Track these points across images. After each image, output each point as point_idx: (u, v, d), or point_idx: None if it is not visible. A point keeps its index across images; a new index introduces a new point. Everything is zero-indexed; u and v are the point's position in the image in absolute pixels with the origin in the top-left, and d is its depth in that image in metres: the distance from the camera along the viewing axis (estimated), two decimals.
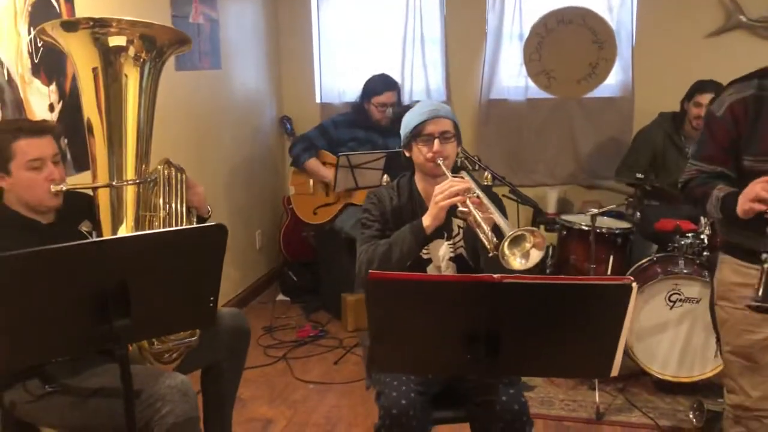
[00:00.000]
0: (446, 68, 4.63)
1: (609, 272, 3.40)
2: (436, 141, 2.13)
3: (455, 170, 2.19)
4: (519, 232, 1.75)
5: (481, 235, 1.93)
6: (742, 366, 2.03)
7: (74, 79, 2.83)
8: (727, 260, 2.04)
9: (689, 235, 3.18)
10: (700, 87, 3.61)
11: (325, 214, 3.85)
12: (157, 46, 2.14)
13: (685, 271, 3.05)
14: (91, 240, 1.74)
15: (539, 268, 1.81)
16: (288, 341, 3.80)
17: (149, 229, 2.13)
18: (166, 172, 2.20)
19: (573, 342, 1.42)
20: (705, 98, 3.59)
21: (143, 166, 2.16)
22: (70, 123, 2.63)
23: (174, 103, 3.45)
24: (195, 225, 1.61)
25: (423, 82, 4.68)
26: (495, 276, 1.32)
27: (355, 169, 3.43)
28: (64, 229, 2.09)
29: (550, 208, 4.47)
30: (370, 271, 1.39)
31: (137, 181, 2.12)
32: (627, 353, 3.10)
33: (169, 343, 2.14)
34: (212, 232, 1.63)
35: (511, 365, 1.44)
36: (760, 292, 1.75)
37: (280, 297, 4.47)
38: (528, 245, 1.77)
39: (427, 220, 2.06)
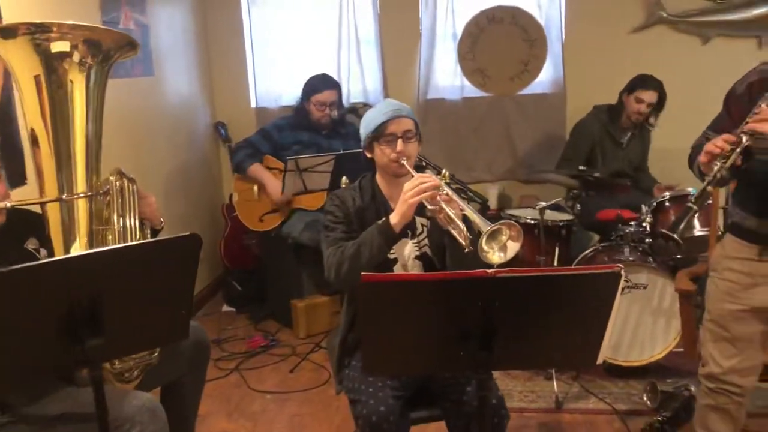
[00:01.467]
0: (383, 69, 4.64)
1: (555, 263, 3.48)
2: (400, 141, 2.12)
3: (419, 170, 2.18)
4: (496, 226, 1.76)
5: (455, 232, 1.93)
6: (717, 335, 2.11)
7: (3, 89, 2.69)
8: (728, 238, 2.13)
9: (632, 223, 3.29)
10: (642, 82, 3.74)
11: (271, 220, 3.77)
12: (103, 51, 2.03)
13: (630, 258, 3.15)
14: (61, 257, 1.63)
15: None
16: (239, 352, 3.70)
17: (103, 244, 2.02)
18: (117, 183, 2.08)
19: (563, 332, 1.44)
20: (647, 95, 3.73)
21: (94, 178, 2.04)
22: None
23: (107, 112, 3.26)
24: (170, 236, 1.53)
25: (360, 84, 4.67)
26: (489, 270, 1.32)
27: (303, 172, 3.37)
28: (9, 248, 1.96)
29: (491, 204, 4.53)
30: (363, 273, 1.36)
31: (89, 194, 2.00)
32: None
33: (130, 361, 2.04)
34: (187, 242, 1.56)
35: (504, 359, 1.44)
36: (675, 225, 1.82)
37: (225, 308, 4.35)
38: (504, 238, 1.79)
39: (395, 219, 2.04)
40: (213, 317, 4.21)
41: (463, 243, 1.89)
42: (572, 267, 1.35)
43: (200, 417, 2.93)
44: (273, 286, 4.13)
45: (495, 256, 1.78)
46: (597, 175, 3.42)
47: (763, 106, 1.80)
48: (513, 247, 1.80)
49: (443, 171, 2.66)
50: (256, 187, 3.76)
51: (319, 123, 3.74)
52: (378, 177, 2.25)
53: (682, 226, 1.75)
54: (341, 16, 4.57)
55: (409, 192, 2.00)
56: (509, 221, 1.81)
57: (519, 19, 4.48)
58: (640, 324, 3.15)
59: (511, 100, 4.62)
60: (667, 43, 4.45)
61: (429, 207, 2.02)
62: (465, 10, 4.52)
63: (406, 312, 1.39)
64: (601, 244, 3.37)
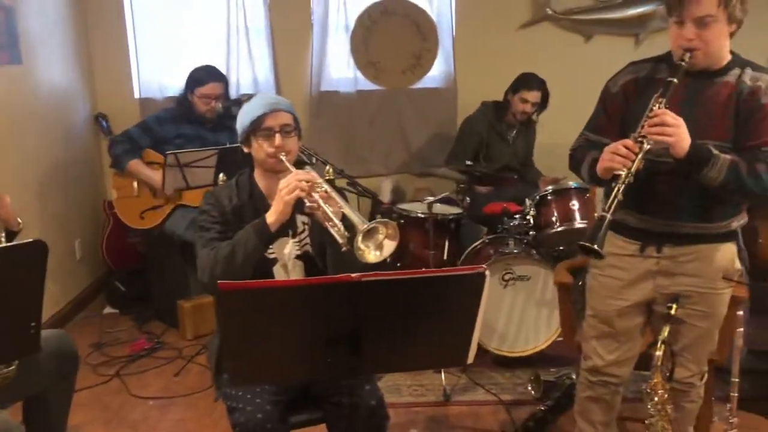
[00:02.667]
0: (274, 60, 4.53)
1: (445, 257, 3.51)
2: (277, 135, 2.05)
3: (298, 166, 2.12)
4: (373, 225, 1.73)
5: (332, 230, 1.88)
6: (600, 331, 2.16)
7: None
8: (608, 235, 2.16)
9: (516, 216, 3.36)
10: (526, 83, 3.82)
11: (153, 217, 3.59)
12: None
13: (515, 251, 3.22)
14: None
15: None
16: (120, 357, 3.51)
17: None
18: None
19: (433, 333, 1.42)
20: (532, 95, 3.82)
21: None
22: None
23: None
24: (8, 243, 1.39)
25: (250, 75, 4.53)
26: (353, 275, 1.28)
27: (184, 168, 3.22)
28: None
29: (385, 197, 4.52)
30: (219, 281, 1.28)
31: None
32: None
33: None
34: (29, 249, 1.43)
35: (374, 363, 1.41)
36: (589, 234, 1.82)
37: (108, 309, 4.13)
38: (381, 237, 1.76)
39: (271, 217, 1.97)
40: (94, 320, 3.98)
41: (340, 241, 1.84)
42: (437, 269, 1.32)
43: (75, 427, 2.78)
44: (158, 285, 3.95)
45: (371, 254, 1.75)
46: (483, 170, 3.46)
47: (655, 108, 1.84)
48: (390, 246, 1.78)
49: (327, 167, 2.60)
50: (135, 183, 3.57)
51: (203, 116, 3.60)
52: (256, 173, 2.17)
53: (601, 235, 1.75)
54: (229, 3, 4.41)
55: (285, 189, 1.94)
56: (386, 220, 1.79)
57: (411, 13, 4.49)
58: (525, 315, 3.23)
59: (404, 94, 4.62)
60: (552, 39, 4.58)
61: (307, 204, 1.96)
62: (357, 1, 4.48)
63: (269, 320, 1.33)
64: (488, 237, 3.43)
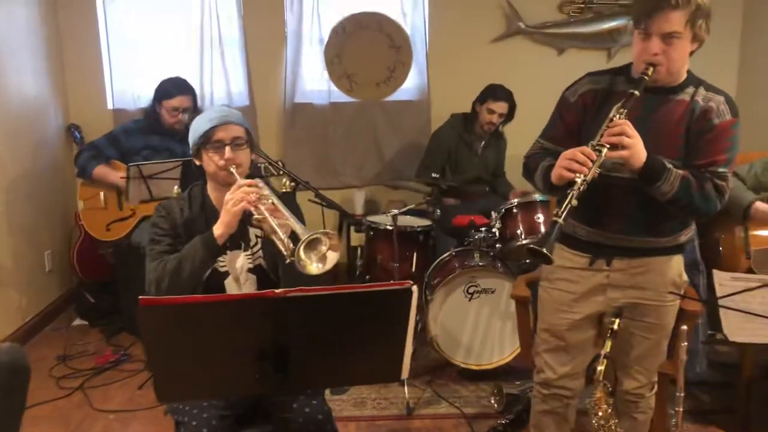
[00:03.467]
0: (248, 72, 4.53)
1: (414, 269, 3.51)
2: (228, 148, 2.04)
3: (256, 177, 2.11)
4: (315, 235, 1.72)
5: (278, 242, 1.87)
6: (552, 344, 2.16)
7: None
8: (557, 248, 2.14)
9: (482, 229, 3.37)
10: (492, 94, 3.84)
11: (119, 229, 3.58)
12: None
13: (480, 263, 3.22)
14: None
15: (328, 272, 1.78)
16: (85, 369, 3.48)
17: None
18: None
19: (362, 349, 1.41)
20: (498, 106, 3.84)
21: None
22: None
23: None
24: None
25: (224, 87, 4.54)
26: (277, 291, 1.27)
27: (148, 179, 3.21)
28: None
29: (358, 209, 4.53)
30: (140, 297, 1.27)
31: None
32: (432, 345, 3.23)
33: None
34: None
35: (302, 379, 1.40)
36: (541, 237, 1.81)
37: (78, 321, 4.10)
38: (324, 248, 1.75)
39: (218, 230, 1.96)
40: (61, 332, 3.95)
41: (285, 253, 1.84)
42: (363, 285, 1.32)
43: None
44: (127, 297, 3.91)
45: (313, 266, 1.74)
46: (450, 183, 3.47)
47: (615, 118, 1.84)
48: (333, 258, 1.77)
49: (284, 180, 2.60)
50: (102, 194, 3.56)
51: (172, 128, 3.59)
52: (209, 186, 2.16)
53: (551, 239, 1.74)
54: (203, 15, 4.42)
55: (231, 201, 1.93)
56: (328, 231, 1.78)
57: (385, 26, 4.50)
58: (490, 327, 3.23)
59: (378, 106, 4.64)
60: (525, 53, 4.61)
61: (254, 216, 1.96)
62: (331, 14, 4.49)
63: (194, 335, 1.32)
64: (455, 250, 3.43)
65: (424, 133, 4.56)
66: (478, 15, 4.56)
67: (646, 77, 1.87)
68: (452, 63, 4.57)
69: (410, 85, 4.62)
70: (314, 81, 4.60)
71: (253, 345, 1.34)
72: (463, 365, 3.24)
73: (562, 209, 1.78)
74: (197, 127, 2.09)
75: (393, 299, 1.35)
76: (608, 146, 1.81)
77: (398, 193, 4.67)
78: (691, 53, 1.93)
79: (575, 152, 1.84)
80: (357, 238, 4.20)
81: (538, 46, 4.62)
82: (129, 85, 4.46)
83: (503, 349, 3.24)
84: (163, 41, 4.46)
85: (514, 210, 3.35)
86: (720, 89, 1.98)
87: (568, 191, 1.80)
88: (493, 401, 3.03)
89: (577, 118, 2.04)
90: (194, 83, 4.31)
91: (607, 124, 1.85)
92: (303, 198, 3.89)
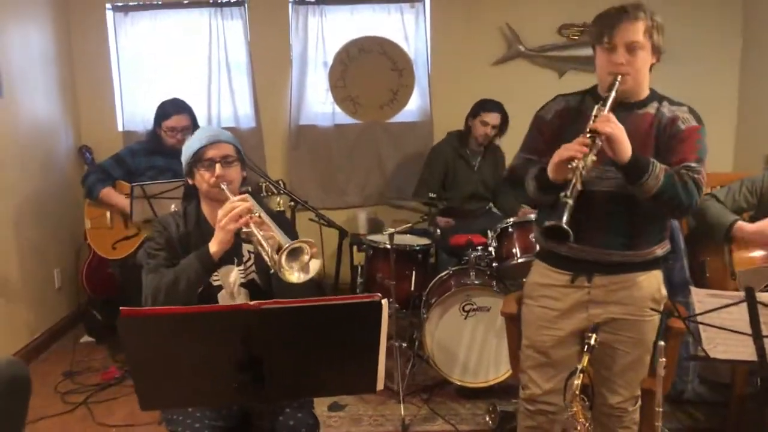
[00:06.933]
0: (254, 95, 4.64)
1: (413, 287, 3.56)
2: (218, 165, 2.11)
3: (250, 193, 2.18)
4: (295, 245, 1.77)
5: (264, 254, 1.93)
6: (537, 361, 2.20)
7: None
8: (538, 264, 2.23)
9: (479, 248, 3.41)
10: (483, 106, 3.94)
11: (125, 247, 3.67)
12: None
13: (476, 282, 3.26)
14: None
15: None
16: (90, 385, 3.55)
17: None
18: None
19: (335, 360, 1.46)
20: (491, 117, 3.92)
21: None
22: None
23: None
24: None
25: (231, 109, 4.65)
26: (251, 303, 1.33)
27: (152, 198, 3.30)
28: None
29: (361, 228, 4.60)
30: (121, 308, 1.34)
31: None
32: (430, 363, 3.26)
33: None
34: None
35: (279, 389, 1.45)
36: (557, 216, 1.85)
37: (85, 338, 4.19)
38: (306, 257, 1.80)
39: (214, 246, 2.03)
40: (68, 349, 4.03)
41: (270, 264, 1.90)
42: (334, 297, 1.37)
43: None
44: None
45: (294, 275, 1.78)
46: (445, 203, 3.52)
47: (601, 113, 1.90)
48: (315, 266, 1.81)
49: (278, 199, 2.66)
50: (108, 214, 3.66)
51: (173, 148, 3.68)
52: (203, 203, 2.23)
53: (565, 217, 1.79)
54: (211, 40, 4.55)
55: (224, 219, 2.00)
56: (309, 239, 1.82)
57: (387, 50, 4.60)
58: (486, 345, 3.26)
59: (382, 128, 4.72)
60: (526, 75, 4.68)
61: (243, 230, 2.02)
62: (335, 39, 4.60)
63: (173, 345, 1.38)
64: (452, 269, 3.47)
65: (426, 154, 4.63)
66: (478, 38, 4.64)
67: (617, 82, 1.92)
68: (454, 85, 4.64)
69: (413, 107, 4.71)
70: (319, 103, 4.70)
71: (230, 356, 1.39)
72: (459, 383, 3.27)
73: (570, 189, 1.83)
74: (188, 147, 2.17)
75: (363, 311, 1.41)
76: (600, 134, 1.85)
77: (402, 213, 4.71)
78: (651, 67, 2.00)
79: (571, 143, 1.88)
80: (359, 257, 4.26)
81: (538, 68, 4.69)
82: (139, 107, 4.59)
83: (499, 367, 3.26)
84: (172, 65, 4.60)
85: (510, 229, 3.39)
86: (682, 102, 2.06)
87: (571, 165, 1.84)
88: (487, 418, 3.05)
89: (555, 132, 2.09)
90: (202, 106, 4.45)
91: (593, 119, 1.89)
92: (303, 217, 3.99)
